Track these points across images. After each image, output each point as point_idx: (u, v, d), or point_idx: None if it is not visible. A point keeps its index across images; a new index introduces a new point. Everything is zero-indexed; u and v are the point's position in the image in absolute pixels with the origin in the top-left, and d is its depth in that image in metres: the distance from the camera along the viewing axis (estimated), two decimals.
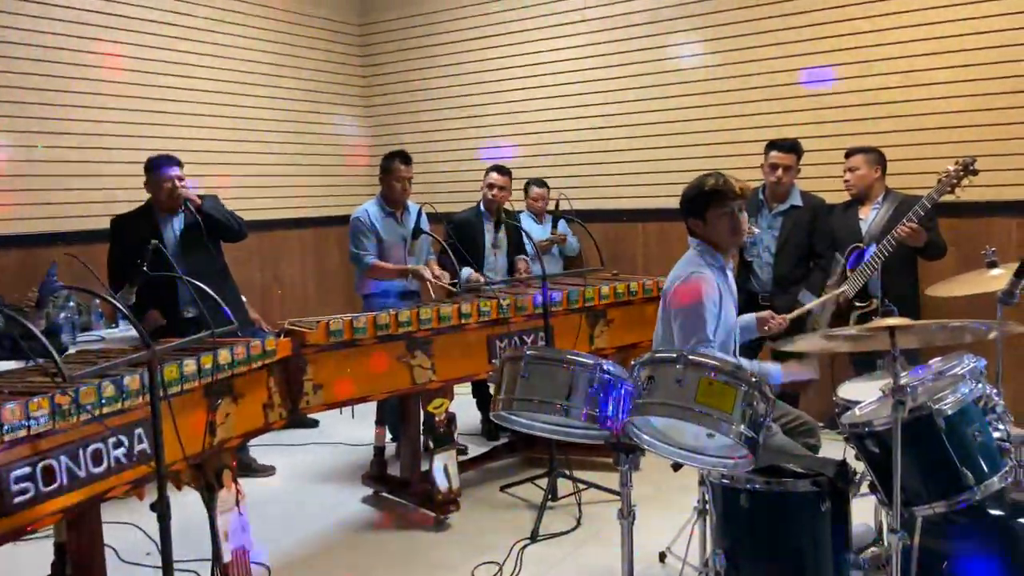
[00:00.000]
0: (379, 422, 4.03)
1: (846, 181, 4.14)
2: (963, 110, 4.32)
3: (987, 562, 2.23)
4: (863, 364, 3.48)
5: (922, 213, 3.74)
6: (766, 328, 3.03)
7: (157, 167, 3.87)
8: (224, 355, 2.73)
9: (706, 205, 2.78)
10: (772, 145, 4.23)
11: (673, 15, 5.16)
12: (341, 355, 3.29)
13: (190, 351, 2.69)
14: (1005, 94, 4.21)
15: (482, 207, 4.63)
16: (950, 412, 2.08)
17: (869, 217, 4.09)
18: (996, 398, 2.22)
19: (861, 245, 4.02)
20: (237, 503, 2.83)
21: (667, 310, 2.83)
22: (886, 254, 3.84)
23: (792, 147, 4.21)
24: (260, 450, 4.42)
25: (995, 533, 2.24)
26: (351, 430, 4.59)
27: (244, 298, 4.39)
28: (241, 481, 2.91)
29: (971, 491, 2.09)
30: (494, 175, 4.58)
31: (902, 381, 2.03)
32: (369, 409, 3.96)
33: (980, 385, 2.20)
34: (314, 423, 5.10)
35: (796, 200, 4.27)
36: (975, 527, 2.28)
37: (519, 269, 4.65)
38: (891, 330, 1.95)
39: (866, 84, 4.58)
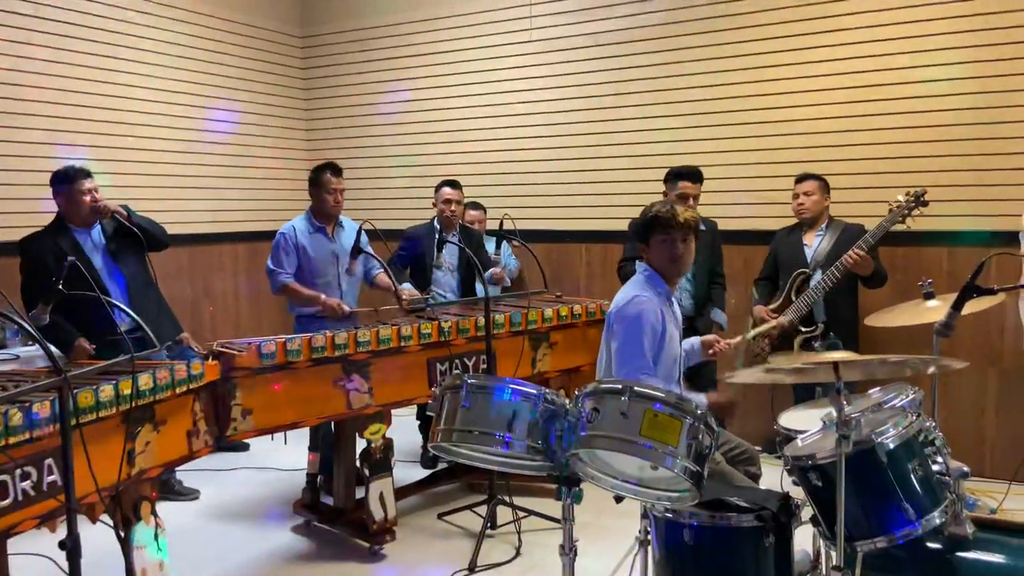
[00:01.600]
0: (312, 448, 3.88)
1: (800, 205, 4.16)
2: (898, 141, 4.42)
3: None
4: (804, 389, 3.50)
5: (872, 242, 3.80)
6: (711, 352, 3.02)
7: (72, 179, 3.65)
8: (145, 380, 2.57)
9: (650, 232, 2.80)
10: (680, 175, 4.17)
11: (616, 39, 5.18)
12: (273, 379, 3.14)
13: (109, 375, 2.52)
14: (939, 127, 4.33)
15: (436, 224, 4.53)
16: (892, 445, 2.08)
17: (814, 244, 4.14)
18: (935, 431, 2.23)
19: (807, 271, 4.07)
20: (156, 538, 2.66)
21: (609, 334, 2.80)
22: (833, 282, 3.88)
23: (700, 175, 4.21)
24: (185, 474, 4.21)
25: (934, 567, 2.24)
26: (283, 455, 4.42)
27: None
28: (163, 505, 2.75)
29: (913, 526, 2.08)
30: (447, 189, 4.47)
31: (845, 414, 2.02)
32: (303, 433, 3.81)
33: (920, 418, 2.21)
34: (244, 447, 4.90)
35: (701, 225, 4.27)
36: (915, 561, 2.27)
37: (497, 276, 4.57)
38: (835, 365, 1.94)
39: (796, 113, 4.66)
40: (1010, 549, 2.19)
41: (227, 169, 5.80)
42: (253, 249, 5.96)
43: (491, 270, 4.68)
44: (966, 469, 2.21)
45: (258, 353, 3.09)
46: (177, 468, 3.53)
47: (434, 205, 4.54)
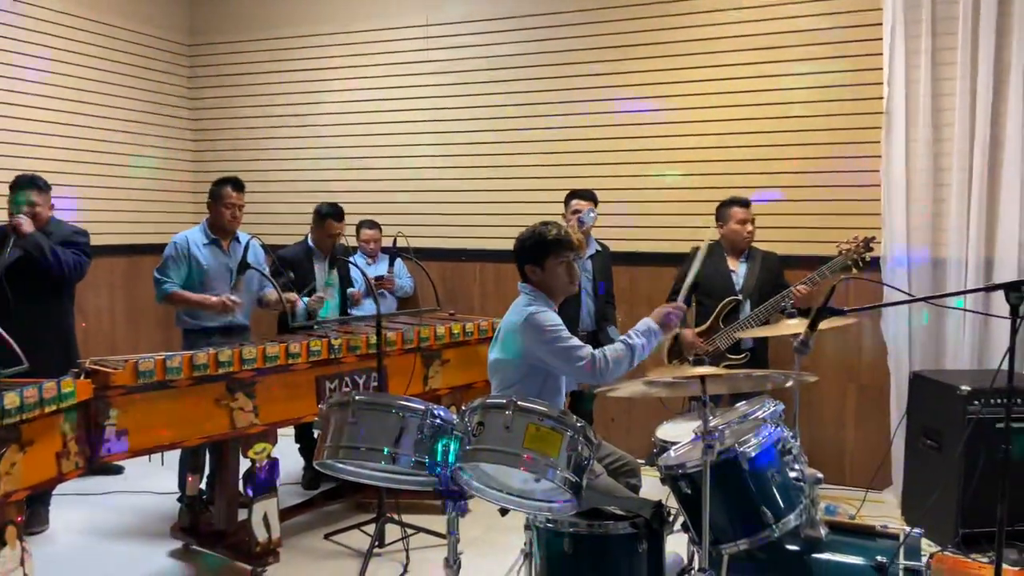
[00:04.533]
0: (192, 469, 3.76)
1: (749, 232, 4.18)
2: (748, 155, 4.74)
3: None
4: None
5: (819, 279, 3.89)
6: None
7: (14, 186, 3.73)
8: (11, 398, 2.45)
9: (546, 254, 2.85)
10: (576, 195, 4.32)
11: (512, 62, 5.31)
12: (151, 398, 3.04)
13: None
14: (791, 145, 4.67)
15: (311, 244, 4.49)
16: (753, 454, 2.24)
17: (740, 270, 4.18)
18: (792, 440, 2.41)
19: (738, 299, 4.12)
20: (22, 563, 2.52)
21: (500, 344, 2.85)
22: (768, 315, 3.91)
23: (594, 196, 4.35)
24: (55, 499, 3.99)
25: (791, 568, 2.42)
26: (160, 478, 4.25)
27: None
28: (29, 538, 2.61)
29: (770, 529, 2.25)
30: (332, 222, 4.42)
31: (711, 425, 2.17)
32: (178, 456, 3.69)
33: (779, 428, 2.39)
34: (119, 470, 4.68)
35: (595, 246, 4.39)
36: (775, 562, 2.45)
37: (353, 297, 4.54)
38: (702, 379, 2.08)
39: (679, 142, 4.92)
40: (858, 548, 2.40)
41: (107, 179, 5.56)
42: (133, 264, 5.71)
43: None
44: (820, 476, 2.41)
45: (135, 371, 2.98)
46: (47, 491, 3.39)
47: (313, 231, 4.50)
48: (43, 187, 3.85)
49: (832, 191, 4.58)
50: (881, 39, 4.34)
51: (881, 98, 4.35)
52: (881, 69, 4.34)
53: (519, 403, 2.02)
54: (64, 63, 5.26)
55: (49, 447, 2.68)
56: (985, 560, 3.51)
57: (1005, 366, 2.23)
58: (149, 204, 5.87)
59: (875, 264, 4.30)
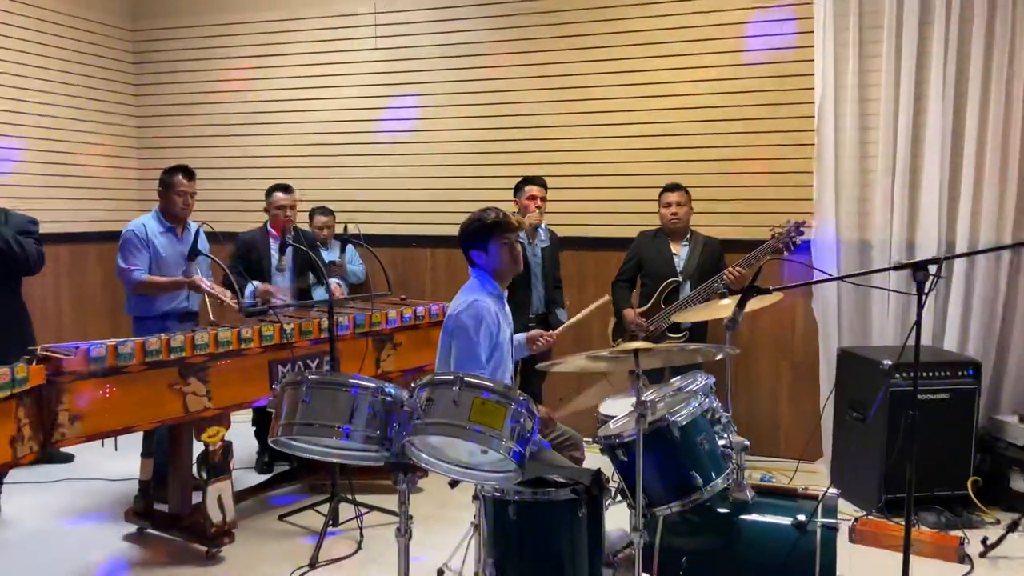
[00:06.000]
0: (145, 453, 3.80)
1: (673, 215, 4.31)
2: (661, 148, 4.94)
3: (716, 553, 2.59)
4: (650, 378, 3.78)
5: (753, 262, 4.03)
6: (535, 346, 3.26)
7: None
8: None
9: (488, 237, 2.97)
10: (530, 180, 4.45)
11: (462, 50, 5.39)
12: (103, 383, 3.08)
13: None
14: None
15: (269, 227, 4.53)
16: (683, 423, 2.41)
17: (682, 253, 4.35)
18: (721, 411, 2.59)
19: (679, 280, 4.29)
20: None
21: (447, 335, 2.98)
22: (706, 297, 4.05)
23: (545, 183, 4.48)
24: (6, 487, 3.99)
25: (722, 528, 2.60)
26: (111, 464, 4.27)
27: None
28: None
29: (699, 491, 2.42)
30: (280, 195, 4.50)
31: (645, 397, 2.32)
32: (133, 440, 3.72)
33: (708, 399, 2.56)
34: (68, 458, 4.67)
35: (545, 239, 4.51)
36: (706, 524, 2.63)
37: (334, 292, 4.62)
38: (635, 352, 2.23)
39: (623, 130, 5.09)
40: (782, 509, 2.59)
41: (49, 167, 5.49)
42: (77, 251, 5.66)
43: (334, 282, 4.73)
44: (746, 443, 2.59)
45: (87, 357, 3.02)
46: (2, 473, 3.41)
47: (266, 210, 4.55)
48: None
49: (768, 177, 4.79)
50: (812, 32, 4.55)
51: (812, 88, 4.57)
52: (812, 61, 4.56)
53: (465, 379, 2.14)
54: (2, 48, 5.16)
55: (3, 432, 2.71)
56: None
57: (912, 341, 2.42)
58: (93, 192, 5.81)
59: (807, 247, 4.54)
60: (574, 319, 3.43)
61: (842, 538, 3.50)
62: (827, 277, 3.89)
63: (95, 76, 5.85)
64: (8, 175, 5.15)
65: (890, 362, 3.84)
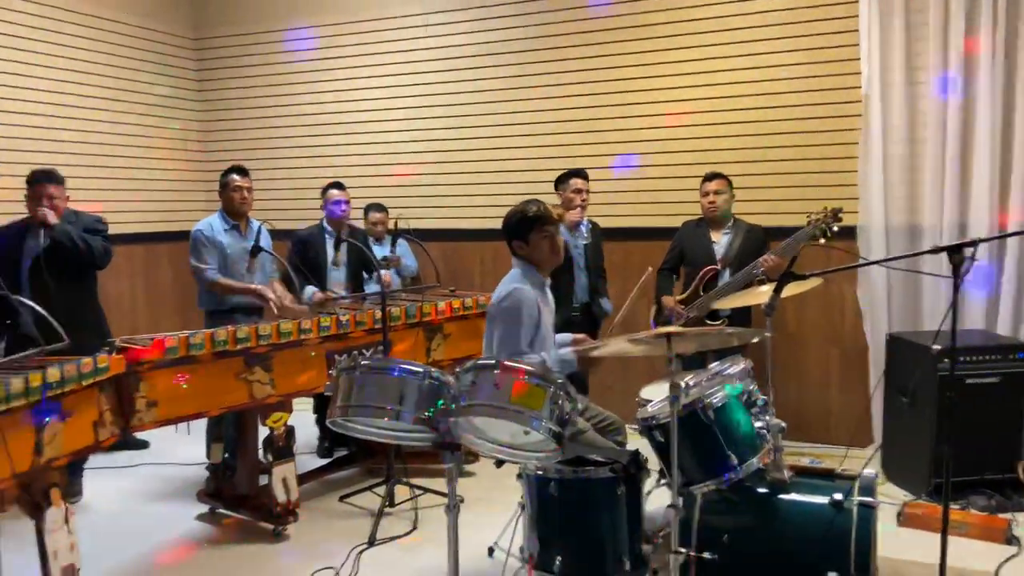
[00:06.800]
0: (216, 438, 4.04)
1: (711, 203, 4.34)
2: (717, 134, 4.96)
3: (754, 531, 2.67)
4: (690, 363, 3.86)
5: (790, 249, 3.97)
6: (579, 349, 3.34)
7: (33, 182, 3.95)
8: (53, 373, 2.71)
9: (529, 229, 3.10)
10: (574, 173, 4.54)
11: (510, 47, 5.52)
12: (176, 372, 3.30)
13: (17, 368, 2.65)
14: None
15: (325, 224, 4.75)
16: (718, 405, 2.49)
17: (722, 241, 4.37)
18: (757, 393, 2.66)
19: (717, 268, 4.33)
20: (66, 520, 2.80)
21: (491, 322, 3.12)
22: (744, 284, 4.05)
23: (586, 174, 4.57)
24: (88, 472, 4.30)
25: (760, 507, 2.68)
26: (184, 449, 4.54)
27: None
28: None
29: (735, 470, 2.51)
30: (335, 192, 4.72)
31: (684, 380, 2.42)
32: (201, 428, 3.98)
33: (744, 382, 2.63)
34: (144, 444, 4.98)
35: (586, 233, 4.59)
36: (745, 503, 2.71)
37: (385, 282, 4.81)
38: (668, 336, 2.33)
39: (661, 120, 5.14)
40: (819, 489, 2.65)
41: (121, 171, 5.82)
42: (150, 251, 6.00)
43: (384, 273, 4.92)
44: (783, 425, 2.66)
45: (161, 347, 3.25)
46: (83, 460, 3.69)
47: (323, 207, 4.77)
48: (59, 180, 4.07)
49: (812, 164, 4.79)
50: (856, 16, 4.53)
51: (859, 73, 4.55)
52: (858, 45, 4.54)
53: (506, 362, 2.27)
54: (75, 60, 5.50)
55: (87, 417, 2.95)
56: (956, 507, 3.75)
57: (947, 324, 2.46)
58: (163, 194, 6.14)
59: (852, 233, 4.53)
60: (622, 312, 3.52)
61: (890, 521, 3.56)
62: (862, 262, 3.88)
63: (162, 84, 6.17)
64: (84, 179, 5.48)
65: (939, 346, 3.82)
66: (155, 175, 6.09)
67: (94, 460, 4.38)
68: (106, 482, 4.40)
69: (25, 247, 3.92)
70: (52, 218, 3.94)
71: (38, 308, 2.58)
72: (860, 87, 4.54)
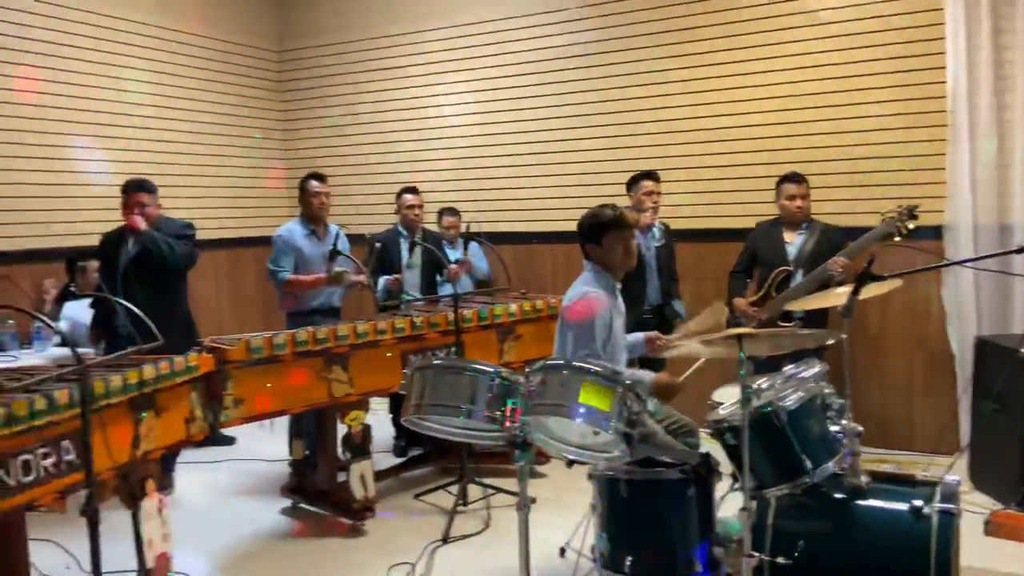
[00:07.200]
0: (297, 435, 4.20)
1: (799, 207, 4.28)
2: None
3: (830, 537, 2.62)
4: (765, 367, 3.81)
5: (862, 249, 3.92)
6: (654, 348, 3.35)
7: (126, 191, 4.18)
8: (149, 371, 2.88)
9: (603, 232, 3.12)
10: (646, 175, 4.52)
11: (579, 50, 5.56)
12: (261, 370, 3.46)
13: (116, 367, 2.83)
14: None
15: (400, 227, 4.89)
16: (791, 408, 2.46)
17: (796, 242, 4.29)
18: (833, 397, 2.61)
19: (790, 269, 4.25)
20: (160, 511, 2.97)
21: (563, 324, 3.15)
22: (816, 287, 3.96)
23: (657, 176, 4.54)
24: (180, 467, 4.53)
25: (836, 513, 2.62)
26: (268, 446, 4.74)
27: None
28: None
29: (809, 474, 2.47)
30: (409, 196, 4.88)
31: (756, 383, 2.40)
32: (287, 425, 4.14)
33: (819, 385, 2.59)
34: (231, 440, 5.21)
35: (659, 236, 4.54)
36: (821, 509, 2.66)
37: (451, 273, 4.90)
38: (739, 338, 2.31)
39: (740, 120, 5.07)
40: (897, 495, 2.58)
41: (209, 179, 6.11)
42: (235, 255, 6.27)
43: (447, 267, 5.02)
44: (860, 429, 2.60)
45: (247, 347, 3.41)
46: (175, 454, 3.89)
47: (397, 211, 4.89)
48: (150, 189, 4.29)
49: (895, 162, 4.65)
50: (941, 9, 4.38)
51: (944, 68, 4.40)
52: (943, 39, 4.39)
53: (574, 363, 2.30)
54: (168, 75, 5.82)
55: (179, 413, 3.12)
56: None
57: None
58: (248, 201, 6.42)
59: (937, 232, 4.38)
60: (689, 334, 3.48)
61: (976, 531, 3.43)
62: (943, 263, 3.74)
63: (247, 96, 6.46)
64: (175, 187, 5.78)
65: None
66: (240, 183, 6.37)
67: (185, 456, 4.62)
68: (196, 476, 4.62)
69: (121, 253, 4.17)
70: (141, 224, 4.14)
71: (135, 309, 2.75)
72: (945, 82, 4.39)
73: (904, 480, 2.71)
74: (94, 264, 4.41)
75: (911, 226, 3.77)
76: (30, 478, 2.49)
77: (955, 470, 4.27)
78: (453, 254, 5.35)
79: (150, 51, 5.70)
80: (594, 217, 3.15)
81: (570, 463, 2.74)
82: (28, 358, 4.31)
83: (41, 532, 3.19)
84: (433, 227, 5.38)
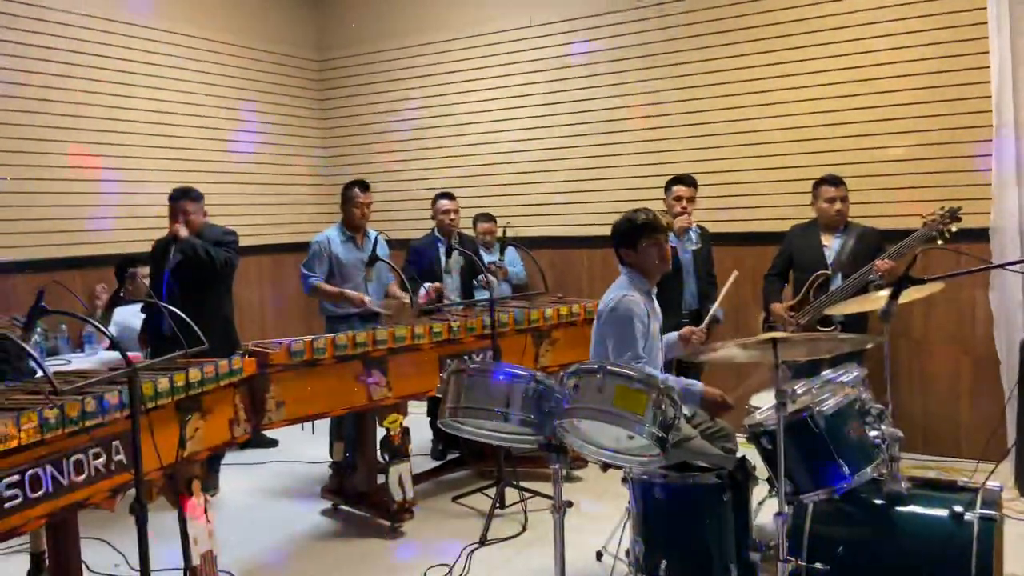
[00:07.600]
0: (338, 438, 4.28)
1: (838, 211, 4.23)
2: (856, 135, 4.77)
3: (869, 543, 2.59)
4: (803, 372, 3.77)
5: (905, 252, 3.87)
6: (689, 344, 3.35)
7: (172, 199, 4.30)
8: (194, 373, 2.97)
9: (638, 237, 3.12)
10: (677, 180, 4.49)
11: (613, 55, 5.57)
12: (302, 374, 3.54)
13: (163, 370, 2.92)
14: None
15: (437, 233, 4.95)
16: (829, 413, 2.44)
17: (833, 245, 4.23)
18: (871, 402, 2.58)
19: (828, 272, 4.20)
20: (205, 511, 3.06)
21: (601, 328, 3.16)
22: (857, 290, 3.92)
23: (694, 181, 4.52)
24: (224, 470, 4.64)
25: (875, 519, 2.59)
26: (309, 448, 4.82)
27: None
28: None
29: (847, 480, 2.45)
30: (445, 202, 4.93)
31: (794, 388, 2.39)
32: (327, 428, 4.22)
33: (856, 390, 2.56)
34: (273, 443, 5.31)
35: (696, 239, 4.47)
36: (860, 514, 2.63)
37: (485, 281, 4.94)
38: (774, 341, 2.31)
39: (775, 123, 5.03)
40: (937, 501, 2.54)
41: (250, 187, 6.25)
42: (277, 261, 6.40)
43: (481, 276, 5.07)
44: (900, 434, 2.57)
45: (288, 351, 3.49)
46: (220, 455, 3.99)
47: (433, 217, 4.96)
48: (195, 197, 4.38)
49: (938, 163, 4.57)
50: (984, 8, 4.30)
51: (987, 67, 4.32)
52: (986, 38, 4.31)
53: (609, 367, 2.32)
54: (211, 85, 5.97)
55: (224, 415, 3.21)
56: None
57: None
58: (289, 207, 6.54)
59: (983, 235, 4.30)
60: (714, 308, 3.49)
61: (1020, 538, 3.35)
62: (985, 266, 3.66)
63: (288, 104, 6.59)
64: (220, 195, 5.92)
65: None
66: (281, 189, 6.50)
67: (230, 457, 4.73)
68: (240, 478, 4.73)
69: (167, 259, 4.28)
70: (182, 232, 4.22)
71: (180, 313, 2.83)
72: (989, 82, 4.31)
73: (945, 486, 2.67)
74: (144, 270, 4.53)
75: (954, 228, 3.69)
76: (82, 477, 2.59)
77: (1000, 476, 4.22)
78: (489, 259, 5.40)
79: (197, 63, 5.85)
80: (628, 222, 3.16)
81: (605, 467, 2.76)
82: (80, 362, 4.47)
83: (91, 531, 3.30)
84: (469, 232, 5.42)
